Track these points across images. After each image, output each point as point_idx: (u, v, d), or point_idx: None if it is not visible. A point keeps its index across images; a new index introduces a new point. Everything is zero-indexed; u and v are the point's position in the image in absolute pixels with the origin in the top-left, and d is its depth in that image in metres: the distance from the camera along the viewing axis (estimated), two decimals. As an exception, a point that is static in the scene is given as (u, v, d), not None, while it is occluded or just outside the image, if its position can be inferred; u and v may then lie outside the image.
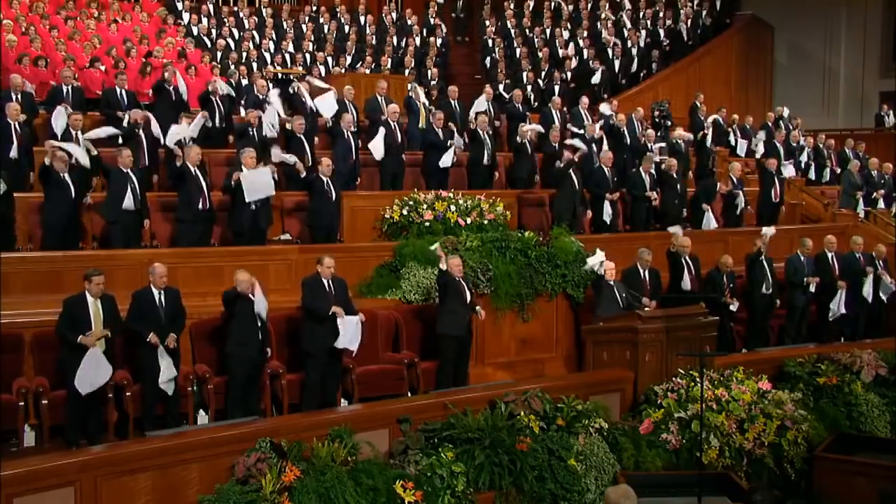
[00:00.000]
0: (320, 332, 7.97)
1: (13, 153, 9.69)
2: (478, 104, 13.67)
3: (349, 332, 8.00)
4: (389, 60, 16.02)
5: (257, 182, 9.61)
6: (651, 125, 14.93)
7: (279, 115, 11.51)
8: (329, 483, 5.85)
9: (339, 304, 8.05)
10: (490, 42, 17.98)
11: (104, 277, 7.29)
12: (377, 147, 11.54)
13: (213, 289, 8.44)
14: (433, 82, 15.58)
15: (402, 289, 9.50)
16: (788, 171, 13.72)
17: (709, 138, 14.49)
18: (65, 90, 11.19)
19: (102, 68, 13.10)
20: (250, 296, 7.60)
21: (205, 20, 16.83)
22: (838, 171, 15.75)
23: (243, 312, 7.64)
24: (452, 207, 10.76)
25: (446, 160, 11.89)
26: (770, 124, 16.29)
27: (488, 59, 17.48)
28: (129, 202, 9.17)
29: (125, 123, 10.63)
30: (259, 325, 7.69)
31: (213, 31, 16.48)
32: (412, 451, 6.49)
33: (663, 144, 13.53)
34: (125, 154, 9.34)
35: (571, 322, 10.13)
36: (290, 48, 16.40)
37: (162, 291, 7.57)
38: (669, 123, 15.07)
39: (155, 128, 10.70)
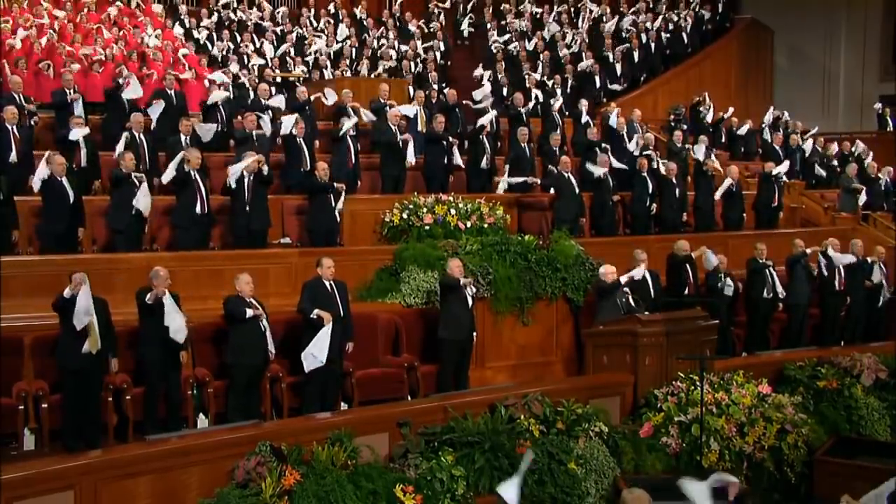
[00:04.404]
0: (321, 325, 7.92)
1: (12, 157, 9.71)
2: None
3: (318, 342, 7.73)
4: (389, 64, 16.06)
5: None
6: (666, 129, 14.95)
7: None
8: (329, 487, 5.85)
9: (342, 307, 8.06)
10: (490, 45, 18.03)
11: (85, 275, 7.16)
12: (411, 155, 11.77)
13: (213, 292, 8.43)
14: (434, 86, 15.59)
15: (402, 292, 9.49)
16: (782, 167, 13.65)
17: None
18: (68, 94, 11.17)
19: (101, 70, 13.14)
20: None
21: (205, 22, 16.86)
22: (838, 170, 15.81)
23: (244, 321, 7.65)
24: (452, 211, 10.76)
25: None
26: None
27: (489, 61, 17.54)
28: (143, 204, 9.20)
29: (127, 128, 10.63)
30: (262, 332, 7.68)
31: (214, 35, 16.50)
32: (412, 454, 6.49)
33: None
34: (128, 158, 9.34)
35: (571, 325, 10.13)
36: (291, 52, 16.43)
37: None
38: (685, 127, 15.06)
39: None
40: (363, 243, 10.70)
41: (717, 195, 12.90)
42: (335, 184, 10.20)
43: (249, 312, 7.60)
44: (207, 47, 15.93)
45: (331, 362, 7.99)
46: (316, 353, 7.76)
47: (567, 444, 6.98)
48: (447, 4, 19.24)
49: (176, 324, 7.33)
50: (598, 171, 12.00)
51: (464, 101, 14.20)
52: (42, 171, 8.97)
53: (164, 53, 14.52)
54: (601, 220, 12.31)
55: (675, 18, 19.53)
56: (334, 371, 8.08)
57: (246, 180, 9.60)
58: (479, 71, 15.19)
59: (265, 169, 9.82)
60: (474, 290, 8.81)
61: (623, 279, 9.55)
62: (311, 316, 7.85)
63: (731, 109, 16.94)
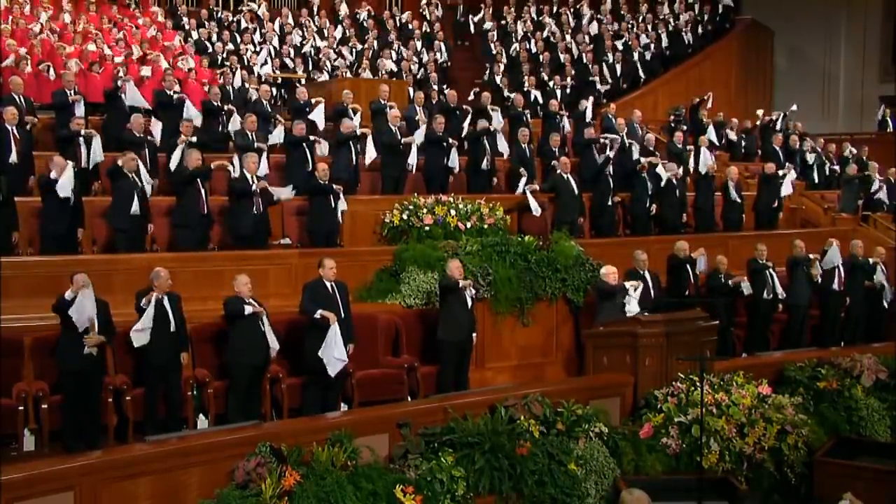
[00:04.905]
0: (322, 327, 7.88)
1: (12, 158, 9.71)
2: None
3: (335, 343, 7.74)
4: (390, 65, 16.06)
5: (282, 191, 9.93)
6: (666, 130, 14.94)
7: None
8: (329, 488, 5.85)
9: (343, 309, 8.05)
10: (491, 46, 18.04)
11: (86, 276, 7.18)
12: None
13: (213, 293, 8.43)
14: (434, 87, 15.60)
15: (402, 293, 9.49)
16: (787, 188, 13.62)
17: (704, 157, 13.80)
18: (69, 94, 11.17)
19: (101, 71, 13.14)
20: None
21: (205, 24, 16.86)
22: (838, 172, 15.81)
23: (244, 320, 7.65)
24: (452, 212, 10.76)
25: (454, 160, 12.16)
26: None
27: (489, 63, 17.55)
28: (135, 207, 9.20)
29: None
30: (262, 331, 7.68)
31: (214, 36, 16.51)
32: (412, 455, 6.49)
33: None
34: (129, 158, 9.34)
35: (571, 326, 10.13)
36: (291, 53, 16.44)
37: (165, 296, 7.56)
38: (685, 128, 15.05)
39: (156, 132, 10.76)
40: (363, 244, 10.70)
41: (733, 195, 12.98)
42: (334, 185, 10.21)
43: (248, 309, 7.60)
44: (207, 48, 15.92)
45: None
46: (337, 355, 7.78)
47: (567, 445, 6.98)
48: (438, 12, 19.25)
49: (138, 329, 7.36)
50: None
51: (464, 106, 14.19)
52: (67, 177, 8.94)
53: (166, 54, 14.51)
54: (601, 221, 12.33)
55: (673, 23, 19.52)
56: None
57: (254, 186, 9.64)
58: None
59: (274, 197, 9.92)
60: (474, 291, 8.81)
61: (628, 286, 9.53)
62: (315, 316, 7.84)
63: (734, 120, 16.89)
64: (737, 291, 10.54)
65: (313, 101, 12.82)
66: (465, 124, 13.50)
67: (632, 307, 9.27)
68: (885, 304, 11.54)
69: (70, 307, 7.02)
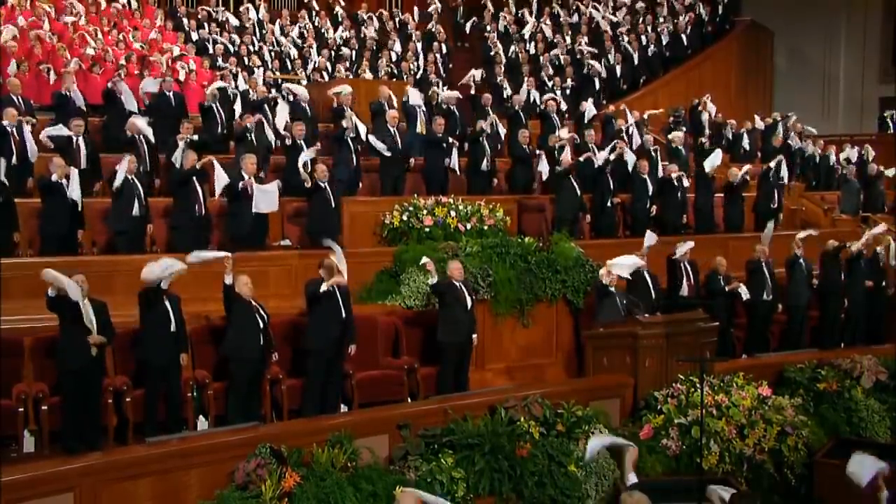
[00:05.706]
0: (323, 327, 7.94)
1: (13, 159, 9.72)
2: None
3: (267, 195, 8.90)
4: (389, 65, 16.07)
5: (266, 196, 9.73)
6: (666, 130, 14.96)
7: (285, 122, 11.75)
8: (329, 489, 5.86)
9: (344, 309, 8.04)
10: (490, 47, 18.04)
11: (84, 277, 7.21)
12: (379, 146, 11.78)
13: (213, 294, 8.40)
14: (433, 88, 15.59)
15: (402, 294, 9.49)
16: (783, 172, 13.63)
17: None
18: (69, 95, 11.16)
19: (100, 72, 13.14)
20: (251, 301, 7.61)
21: (204, 25, 16.85)
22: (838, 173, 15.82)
23: (240, 314, 7.64)
24: (452, 213, 10.76)
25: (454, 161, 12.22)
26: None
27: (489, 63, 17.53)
28: (135, 210, 9.20)
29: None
30: (261, 326, 7.68)
31: (215, 36, 16.50)
32: (412, 456, 6.50)
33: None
34: (129, 160, 9.35)
35: (571, 327, 10.13)
36: (291, 53, 16.44)
37: (166, 297, 7.54)
38: (684, 129, 15.07)
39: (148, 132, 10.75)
40: (363, 245, 10.69)
41: (740, 175, 12.97)
42: (306, 147, 10.20)
43: (324, 287, 7.77)
44: (207, 49, 15.91)
45: (331, 364, 8.01)
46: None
47: (567, 447, 6.98)
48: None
49: None
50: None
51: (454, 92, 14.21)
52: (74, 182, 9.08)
53: (165, 55, 14.51)
54: (601, 222, 12.33)
55: (673, 24, 19.52)
56: (334, 373, 8.09)
57: (240, 184, 9.64)
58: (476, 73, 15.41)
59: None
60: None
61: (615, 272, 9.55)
62: (323, 289, 7.83)
63: (733, 121, 16.90)
64: (735, 295, 10.54)
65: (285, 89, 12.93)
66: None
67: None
68: (888, 295, 11.55)
69: (60, 302, 7.02)
